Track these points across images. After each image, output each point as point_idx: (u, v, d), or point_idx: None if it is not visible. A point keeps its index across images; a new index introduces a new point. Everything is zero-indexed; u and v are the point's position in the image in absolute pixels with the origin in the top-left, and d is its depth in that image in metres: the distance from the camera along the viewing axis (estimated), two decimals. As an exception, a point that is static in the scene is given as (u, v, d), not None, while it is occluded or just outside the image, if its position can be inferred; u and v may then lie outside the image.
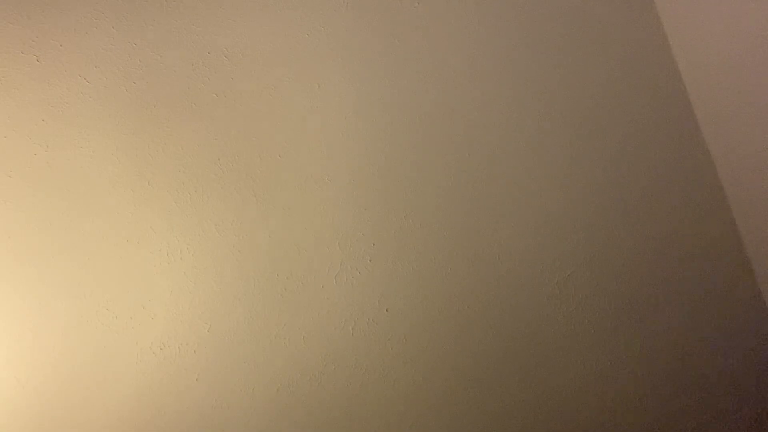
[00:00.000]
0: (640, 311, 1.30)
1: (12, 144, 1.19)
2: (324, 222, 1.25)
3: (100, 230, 1.19)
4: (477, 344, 1.26)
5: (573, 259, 1.30)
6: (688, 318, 1.31)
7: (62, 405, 1.15)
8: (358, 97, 1.30)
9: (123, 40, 1.25)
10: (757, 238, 1.30)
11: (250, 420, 1.19)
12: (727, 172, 1.33)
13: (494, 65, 1.34)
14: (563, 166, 1.33)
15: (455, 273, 1.27)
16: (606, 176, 1.33)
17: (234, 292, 1.21)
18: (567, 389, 1.27)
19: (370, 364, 1.23)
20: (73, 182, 1.20)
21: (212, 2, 1.29)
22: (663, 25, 1.39)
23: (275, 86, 1.28)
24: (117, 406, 1.16)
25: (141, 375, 1.17)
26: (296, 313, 1.22)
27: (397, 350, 1.24)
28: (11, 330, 1.15)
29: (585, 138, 1.34)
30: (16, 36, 1.21)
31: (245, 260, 1.22)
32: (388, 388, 1.24)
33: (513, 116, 1.33)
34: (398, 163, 1.29)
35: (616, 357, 1.29)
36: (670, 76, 1.37)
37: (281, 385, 1.21)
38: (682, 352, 1.30)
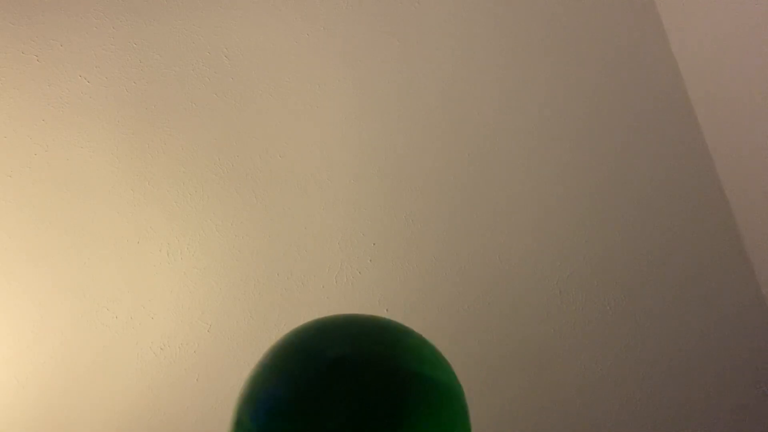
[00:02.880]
0: (641, 311, 1.30)
1: (12, 144, 1.19)
2: (324, 222, 1.25)
3: (100, 230, 1.19)
4: (477, 344, 1.26)
5: (573, 259, 1.30)
6: (688, 319, 1.31)
7: (62, 405, 1.15)
8: (358, 97, 1.30)
9: (123, 40, 1.25)
10: (757, 237, 1.30)
11: (250, 420, 1.19)
12: (728, 171, 1.33)
13: (494, 65, 1.35)
14: (563, 166, 1.33)
15: (455, 273, 1.27)
16: (606, 176, 1.33)
17: (234, 292, 1.21)
18: (567, 389, 1.27)
19: (370, 364, 1.23)
20: (73, 182, 1.20)
21: (212, 2, 1.29)
22: (663, 23, 1.39)
23: (275, 86, 1.28)
24: (117, 406, 1.16)
25: (141, 375, 1.17)
26: (296, 313, 1.22)
27: (397, 350, 1.24)
28: (11, 330, 1.15)
29: (585, 138, 1.34)
30: (16, 36, 1.21)
31: (245, 260, 1.22)
32: (388, 388, 1.23)
33: (513, 116, 1.33)
34: (398, 162, 1.29)
35: (617, 357, 1.29)
36: (671, 75, 1.37)
37: (281, 385, 1.20)
38: (683, 352, 1.30)
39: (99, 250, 1.19)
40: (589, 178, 1.33)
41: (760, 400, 1.30)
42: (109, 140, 1.22)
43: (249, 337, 1.21)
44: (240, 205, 1.24)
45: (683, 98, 1.37)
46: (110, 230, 1.19)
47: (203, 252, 1.21)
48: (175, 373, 1.18)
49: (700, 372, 1.30)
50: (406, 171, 1.29)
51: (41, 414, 1.14)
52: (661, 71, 1.37)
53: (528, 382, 1.26)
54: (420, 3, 1.34)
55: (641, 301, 1.30)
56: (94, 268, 1.18)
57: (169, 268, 1.20)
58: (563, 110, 1.34)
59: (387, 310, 1.25)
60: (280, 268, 1.23)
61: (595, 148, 1.34)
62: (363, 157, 1.28)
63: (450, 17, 1.35)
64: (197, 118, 1.25)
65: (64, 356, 1.16)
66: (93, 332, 1.17)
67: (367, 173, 1.28)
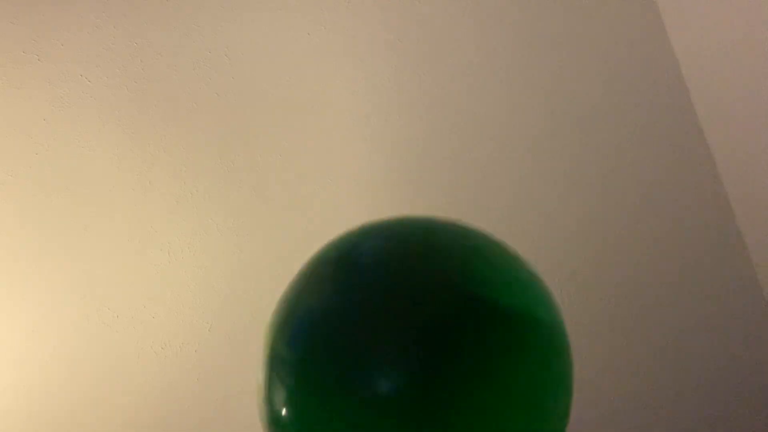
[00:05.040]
0: (641, 311, 1.30)
1: (12, 144, 1.19)
2: (325, 221, 1.25)
3: (101, 229, 1.19)
4: (478, 344, 1.26)
5: (573, 259, 1.31)
6: (689, 318, 1.31)
7: (62, 405, 1.15)
8: (359, 97, 1.30)
9: (124, 39, 1.25)
10: (758, 236, 1.30)
11: (251, 420, 1.19)
12: (729, 170, 1.33)
13: (496, 63, 1.35)
14: (564, 165, 1.33)
15: (456, 273, 1.27)
16: (606, 175, 1.34)
17: (235, 292, 1.21)
18: (567, 389, 1.27)
19: (371, 364, 1.23)
20: (74, 182, 1.20)
21: (213, 2, 1.29)
22: (664, 21, 1.39)
23: (275, 86, 1.28)
24: (117, 406, 1.16)
25: (141, 374, 1.17)
26: (297, 313, 1.22)
27: (397, 350, 1.24)
28: (11, 330, 1.15)
29: (585, 137, 1.34)
30: (16, 35, 1.21)
31: (246, 259, 1.22)
32: (389, 387, 1.23)
33: (514, 115, 1.34)
34: (399, 162, 1.29)
35: (617, 356, 1.29)
36: (671, 74, 1.38)
37: (282, 385, 1.20)
38: (684, 352, 1.30)
39: (100, 249, 1.19)
40: (590, 177, 1.33)
41: (760, 398, 1.30)
42: (110, 139, 1.22)
43: (250, 336, 1.20)
44: (241, 204, 1.24)
45: (684, 98, 1.37)
46: (111, 229, 1.19)
47: (204, 251, 1.21)
48: (176, 373, 1.18)
49: (701, 371, 1.30)
50: (407, 170, 1.29)
51: (42, 413, 1.14)
52: (662, 71, 1.38)
53: (528, 381, 1.26)
54: (422, 2, 1.34)
55: (641, 300, 1.31)
56: (94, 268, 1.18)
57: (170, 267, 1.20)
58: (564, 110, 1.35)
59: (388, 309, 1.25)
60: (281, 267, 1.23)
61: (595, 148, 1.34)
62: (364, 156, 1.29)
63: (450, 16, 1.35)
64: (198, 117, 1.25)
65: (65, 356, 1.16)
66: (94, 331, 1.17)
67: (369, 173, 1.28)
